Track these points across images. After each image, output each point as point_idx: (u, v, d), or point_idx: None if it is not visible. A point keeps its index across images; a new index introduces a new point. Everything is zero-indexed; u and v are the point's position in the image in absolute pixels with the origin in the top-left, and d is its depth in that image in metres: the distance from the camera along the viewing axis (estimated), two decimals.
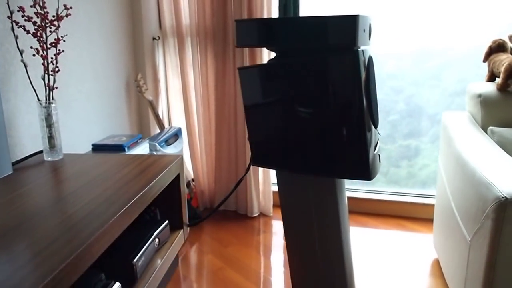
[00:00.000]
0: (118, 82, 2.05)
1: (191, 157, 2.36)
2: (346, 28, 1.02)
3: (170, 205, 1.40)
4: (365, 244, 2.04)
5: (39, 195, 1.05)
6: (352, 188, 2.45)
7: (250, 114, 1.21)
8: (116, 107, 2.02)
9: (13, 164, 1.29)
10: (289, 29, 1.08)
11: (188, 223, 1.47)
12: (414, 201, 2.31)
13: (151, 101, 2.16)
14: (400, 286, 1.68)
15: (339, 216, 1.22)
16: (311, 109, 1.11)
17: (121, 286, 1.03)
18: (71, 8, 1.34)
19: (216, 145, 2.31)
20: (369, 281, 1.72)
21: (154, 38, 2.28)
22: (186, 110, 2.30)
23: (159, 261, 1.23)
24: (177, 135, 2.01)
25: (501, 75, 1.66)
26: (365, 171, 1.09)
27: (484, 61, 1.81)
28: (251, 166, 2.13)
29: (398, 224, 2.25)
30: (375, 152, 1.14)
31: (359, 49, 1.04)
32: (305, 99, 1.11)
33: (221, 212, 2.42)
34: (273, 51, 1.20)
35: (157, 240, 1.25)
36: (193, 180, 2.40)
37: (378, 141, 1.21)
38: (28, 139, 1.43)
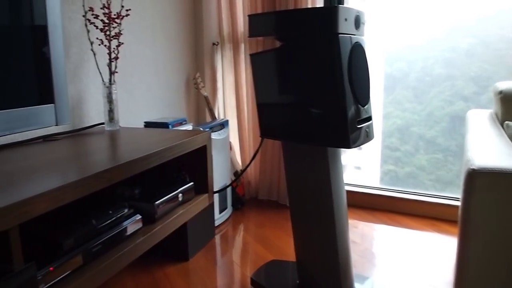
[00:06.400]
0: (179, 78, 2.40)
1: (240, 149, 2.63)
2: (328, 17, 1.22)
3: (198, 173, 1.67)
4: (394, 242, 2.12)
5: (95, 145, 1.38)
6: (390, 188, 2.53)
7: (259, 94, 1.44)
8: (175, 99, 2.37)
9: (80, 129, 1.66)
10: (288, 19, 1.31)
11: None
12: (451, 203, 2.33)
13: (206, 97, 2.48)
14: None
15: (331, 186, 1.39)
16: (305, 86, 1.31)
17: (142, 219, 1.31)
18: (130, 10, 1.70)
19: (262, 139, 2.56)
20: (387, 278, 1.82)
21: (214, 43, 2.62)
22: (238, 106, 2.59)
23: (180, 211, 1.49)
24: (223, 125, 2.29)
25: None
26: (344, 140, 1.26)
27: None
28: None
29: (433, 225, 2.29)
30: (360, 126, 1.31)
31: (340, 35, 1.23)
32: (300, 77, 1.32)
33: (264, 202, 2.64)
34: (279, 40, 1.43)
35: (180, 195, 1.52)
36: (241, 170, 2.66)
37: (369, 119, 1.37)
38: (95, 113, 1.80)
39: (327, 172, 1.39)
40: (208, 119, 2.59)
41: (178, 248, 1.90)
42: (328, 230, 1.43)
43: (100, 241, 1.12)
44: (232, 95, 2.65)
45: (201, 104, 2.64)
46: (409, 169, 2.73)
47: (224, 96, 2.68)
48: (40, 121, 1.22)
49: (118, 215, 1.22)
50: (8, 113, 1.11)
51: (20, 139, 1.45)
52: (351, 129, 1.26)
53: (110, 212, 1.19)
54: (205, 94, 2.48)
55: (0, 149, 1.34)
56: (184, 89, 2.48)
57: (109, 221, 1.17)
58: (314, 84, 1.29)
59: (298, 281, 1.59)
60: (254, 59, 1.44)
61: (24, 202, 0.87)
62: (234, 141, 2.68)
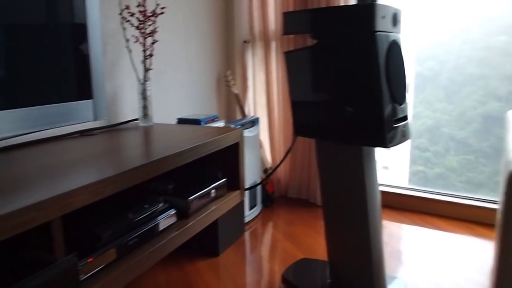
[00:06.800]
0: (210, 76, 2.42)
1: (270, 147, 2.63)
2: (365, 14, 1.20)
3: (230, 169, 1.68)
4: (427, 243, 2.08)
5: (130, 140, 1.41)
6: (421, 189, 2.48)
7: (293, 92, 1.44)
8: (206, 96, 2.40)
9: (116, 125, 1.70)
10: (324, 17, 1.30)
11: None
12: (486, 206, 2.26)
13: (237, 94, 2.49)
14: None
15: (365, 185, 1.38)
16: (341, 84, 1.30)
17: (176, 213, 1.33)
18: (165, 7, 1.72)
19: (293, 138, 2.55)
20: (419, 279, 1.79)
21: (245, 41, 2.63)
22: (268, 104, 2.59)
23: (213, 207, 1.51)
24: (253, 122, 2.30)
25: None
26: (381, 139, 1.24)
27: None
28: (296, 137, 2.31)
29: (468, 228, 2.23)
30: (397, 125, 1.28)
31: (377, 33, 1.21)
32: (336, 75, 1.31)
33: (294, 200, 2.64)
34: (314, 38, 1.42)
35: (213, 191, 1.54)
36: (271, 168, 2.66)
37: (405, 118, 1.35)
38: (130, 110, 1.84)
39: (361, 172, 1.38)
40: (239, 116, 2.61)
41: (208, 243, 1.92)
42: (361, 229, 1.42)
43: (137, 234, 1.14)
44: (263, 93, 2.65)
45: (232, 102, 2.65)
46: (439, 170, 2.66)
47: (254, 94, 2.68)
48: (80, 116, 1.26)
49: (153, 209, 1.24)
50: (50, 108, 1.14)
51: (58, 134, 1.49)
52: (387, 128, 1.24)
53: (146, 206, 1.21)
54: (236, 91, 2.49)
55: (41, 143, 1.39)
56: (215, 87, 2.50)
57: (145, 215, 1.20)
58: (350, 82, 1.28)
59: (329, 280, 1.58)
60: (288, 56, 1.43)
61: (66, 194, 0.90)
62: (264, 139, 2.68)
